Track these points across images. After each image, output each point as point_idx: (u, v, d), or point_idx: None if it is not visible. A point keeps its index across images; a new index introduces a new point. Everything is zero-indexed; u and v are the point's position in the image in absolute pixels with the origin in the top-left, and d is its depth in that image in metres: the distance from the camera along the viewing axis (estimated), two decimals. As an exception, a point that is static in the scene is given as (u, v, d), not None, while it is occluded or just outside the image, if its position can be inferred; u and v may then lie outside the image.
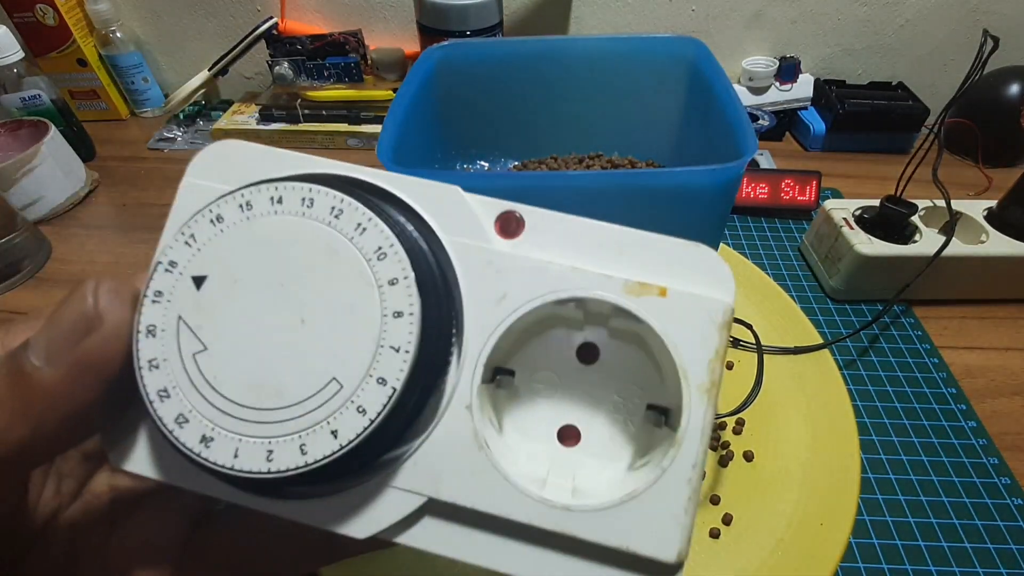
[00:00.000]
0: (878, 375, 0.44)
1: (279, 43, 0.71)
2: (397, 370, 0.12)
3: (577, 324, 0.16)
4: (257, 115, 0.71)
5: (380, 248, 0.13)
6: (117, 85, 0.76)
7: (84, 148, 0.68)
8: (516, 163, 0.52)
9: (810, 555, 0.32)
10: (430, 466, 0.14)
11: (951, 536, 0.35)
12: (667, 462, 0.13)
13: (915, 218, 0.49)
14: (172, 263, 0.13)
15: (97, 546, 0.17)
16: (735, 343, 0.42)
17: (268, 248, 0.13)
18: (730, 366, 0.42)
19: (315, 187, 0.14)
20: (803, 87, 0.71)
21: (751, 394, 0.32)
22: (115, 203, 0.63)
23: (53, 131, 0.59)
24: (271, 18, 0.71)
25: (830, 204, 0.51)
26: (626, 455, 0.16)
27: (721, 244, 0.51)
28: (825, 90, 0.70)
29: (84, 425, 0.14)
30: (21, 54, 0.63)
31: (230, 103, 0.76)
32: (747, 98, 0.72)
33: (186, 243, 0.14)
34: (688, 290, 0.14)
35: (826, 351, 0.42)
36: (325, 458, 0.12)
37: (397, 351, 0.13)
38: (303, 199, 0.13)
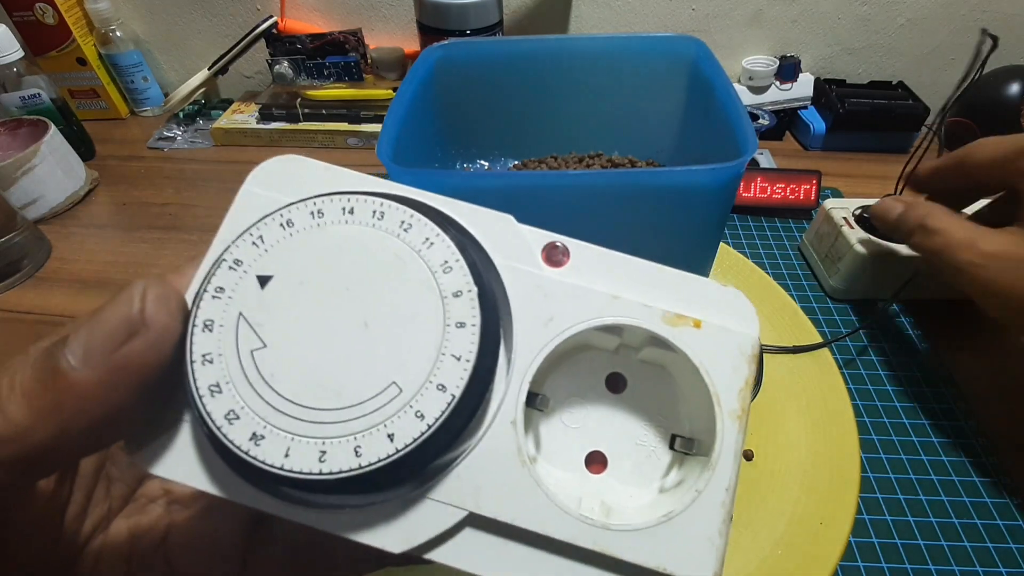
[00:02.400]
0: (878, 374, 0.44)
1: (279, 42, 0.71)
2: (457, 378, 0.13)
3: (608, 353, 0.17)
4: (257, 114, 0.71)
5: (446, 262, 0.14)
6: (117, 84, 0.76)
7: (84, 147, 0.68)
8: (516, 162, 0.52)
9: (810, 554, 0.32)
10: (472, 480, 0.14)
11: (951, 535, 0.35)
12: (701, 484, 0.14)
13: (915, 218, 0.49)
14: (237, 261, 0.14)
15: (156, 549, 0.17)
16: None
17: (336, 254, 0.14)
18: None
19: (386, 201, 0.14)
20: (803, 86, 0.71)
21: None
22: (115, 202, 0.63)
23: (53, 130, 0.59)
24: (271, 17, 0.71)
25: (830, 203, 0.51)
26: (653, 483, 0.16)
27: (721, 244, 0.51)
28: (825, 89, 0.70)
29: (113, 431, 0.13)
30: (21, 53, 0.63)
31: (230, 102, 0.76)
32: (747, 97, 0.72)
33: (253, 243, 0.14)
34: (720, 323, 0.15)
35: (826, 350, 0.42)
36: (380, 461, 0.12)
37: (458, 360, 0.13)
38: (374, 212, 0.14)
